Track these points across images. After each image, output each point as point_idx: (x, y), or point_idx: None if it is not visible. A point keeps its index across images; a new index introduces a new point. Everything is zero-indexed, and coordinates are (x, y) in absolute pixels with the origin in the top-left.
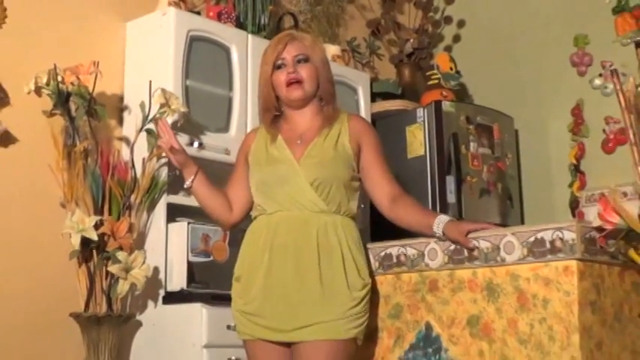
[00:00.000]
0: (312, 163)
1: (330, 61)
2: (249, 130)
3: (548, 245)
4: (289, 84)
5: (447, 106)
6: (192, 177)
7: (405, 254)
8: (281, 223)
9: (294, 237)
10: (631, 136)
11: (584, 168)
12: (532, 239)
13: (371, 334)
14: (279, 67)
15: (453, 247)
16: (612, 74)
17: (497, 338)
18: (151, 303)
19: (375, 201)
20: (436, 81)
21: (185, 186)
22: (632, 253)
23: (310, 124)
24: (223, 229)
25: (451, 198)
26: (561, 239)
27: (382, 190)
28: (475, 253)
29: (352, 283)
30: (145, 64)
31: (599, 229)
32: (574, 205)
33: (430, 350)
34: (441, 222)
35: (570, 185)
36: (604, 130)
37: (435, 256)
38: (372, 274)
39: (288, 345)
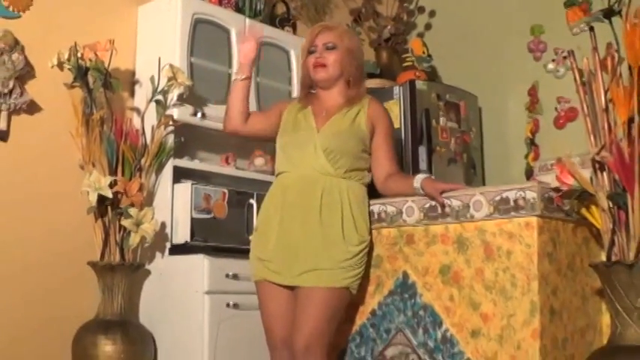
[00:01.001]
0: (328, 133)
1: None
2: None
3: (512, 203)
4: (315, 66)
5: (419, 84)
6: (244, 76)
7: (385, 211)
8: (293, 183)
9: (303, 194)
10: (585, 108)
11: (538, 141)
12: (498, 198)
13: None
14: (311, 52)
15: (428, 204)
16: (569, 54)
17: (465, 285)
18: (158, 254)
19: (374, 176)
20: (410, 63)
21: (234, 78)
22: (584, 211)
23: (335, 102)
24: (226, 128)
25: (423, 166)
26: (524, 198)
27: (382, 168)
28: (447, 210)
29: (349, 237)
30: (155, 43)
31: (556, 190)
32: (529, 173)
33: (406, 295)
34: (419, 178)
35: (526, 156)
36: (556, 109)
37: (412, 213)
38: (371, 233)
39: (291, 288)
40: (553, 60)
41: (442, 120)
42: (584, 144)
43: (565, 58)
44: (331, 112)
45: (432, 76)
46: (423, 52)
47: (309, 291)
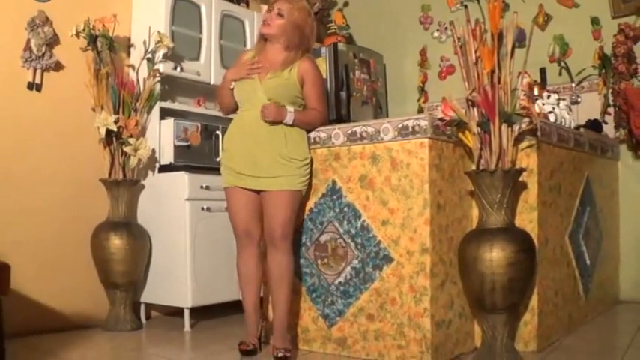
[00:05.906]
0: (270, 85)
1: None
2: (212, 59)
3: (410, 129)
4: (263, 23)
5: (340, 46)
6: (230, 86)
7: (319, 137)
8: (247, 117)
9: (256, 126)
10: (461, 62)
11: (427, 89)
12: (400, 126)
13: None
14: (269, 11)
15: (350, 131)
16: (450, 25)
17: (377, 189)
18: (150, 172)
19: None
20: (333, 30)
21: (230, 86)
22: (460, 135)
23: (277, 58)
24: (225, 114)
25: (343, 107)
26: (419, 125)
27: (309, 106)
28: (364, 135)
29: (294, 154)
30: (145, 16)
31: (441, 120)
32: (420, 112)
33: (335, 197)
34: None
35: (418, 100)
36: (439, 65)
37: (339, 137)
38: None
39: (254, 192)
40: (437, 30)
41: (357, 73)
42: (458, 90)
43: (446, 29)
44: (272, 67)
45: (350, 40)
46: (343, 23)
47: (276, 194)
